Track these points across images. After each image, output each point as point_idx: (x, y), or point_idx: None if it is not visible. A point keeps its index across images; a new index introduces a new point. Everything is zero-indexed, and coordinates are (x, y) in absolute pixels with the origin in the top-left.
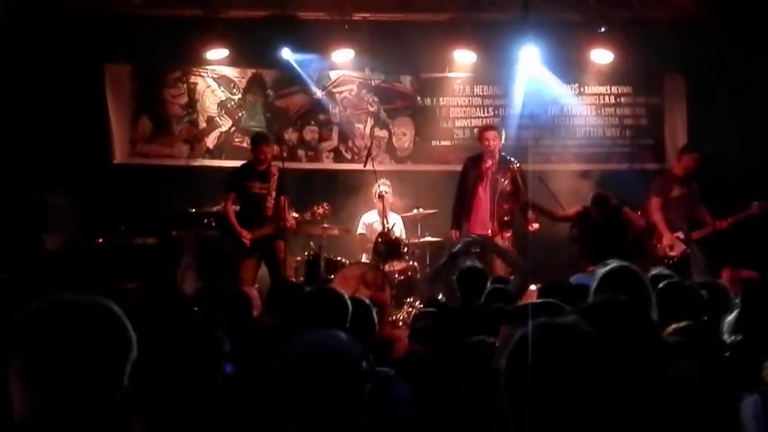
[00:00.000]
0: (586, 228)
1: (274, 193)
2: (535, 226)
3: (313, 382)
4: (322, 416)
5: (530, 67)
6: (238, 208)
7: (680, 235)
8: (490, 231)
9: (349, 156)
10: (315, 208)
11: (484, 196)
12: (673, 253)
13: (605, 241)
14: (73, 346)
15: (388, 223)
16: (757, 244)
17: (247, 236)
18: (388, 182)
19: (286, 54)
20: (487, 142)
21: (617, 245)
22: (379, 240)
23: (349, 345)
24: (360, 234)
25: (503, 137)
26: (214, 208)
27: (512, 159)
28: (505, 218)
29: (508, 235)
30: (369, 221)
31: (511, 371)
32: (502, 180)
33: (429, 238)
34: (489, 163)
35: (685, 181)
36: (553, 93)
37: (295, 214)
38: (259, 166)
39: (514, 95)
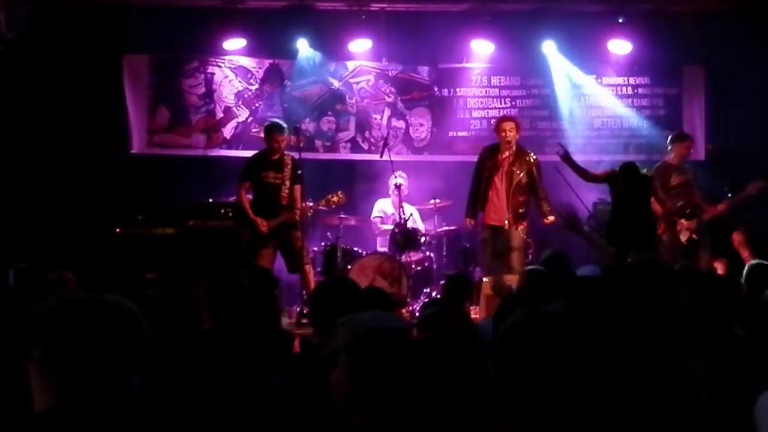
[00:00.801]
0: (611, 193)
1: (288, 183)
2: (551, 218)
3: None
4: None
5: (549, 57)
6: (251, 197)
7: (684, 222)
8: (506, 222)
9: (366, 146)
10: (329, 197)
11: (500, 187)
12: (682, 239)
13: (627, 214)
14: (91, 341)
15: (404, 213)
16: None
17: (263, 224)
18: (405, 174)
19: (304, 44)
20: (504, 133)
21: (638, 219)
22: (396, 230)
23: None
24: (375, 218)
25: (520, 128)
26: (231, 199)
27: (529, 150)
28: (521, 210)
29: (523, 227)
30: (384, 206)
31: (500, 360)
32: (518, 172)
33: (446, 228)
34: (506, 154)
35: (681, 169)
36: (571, 83)
37: (310, 203)
38: (273, 155)
39: (534, 86)
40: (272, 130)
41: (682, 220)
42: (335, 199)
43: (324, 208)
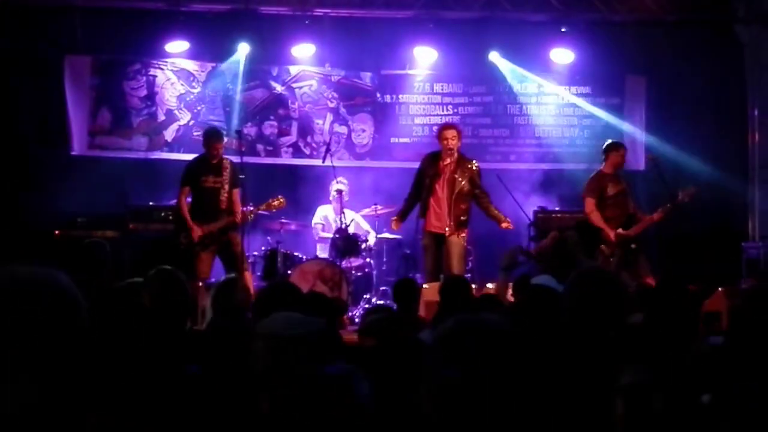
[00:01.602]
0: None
1: (227, 187)
2: (506, 224)
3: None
4: None
5: (493, 65)
6: (190, 201)
7: (621, 231)
8: (447, 229)
9: (307, 151)
10: (270, 201)
11: (441, 194)
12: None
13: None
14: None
15: (345, 219)
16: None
17: (197, 231)
18: (345, 179)
19: (246, 48)
20: (446, 141)
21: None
22: (337, 236)
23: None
24: (316, 224)
25: (462, 136)
26: (172, 202)
27: (470, 158)
28: (462, 217)
29: (464, 234)
30: (326, 213)
31: (434, 366)
32: (460, 179)
33: (387, 235)
34: (447, 161)
35: (616, 178)
36: (513, 91)
37: (251, 207)
38: (212, 160)
39: (477, 94)
40: (210, 136)
41: (620, 230)
42: (276, 203)
43: (265, 212)
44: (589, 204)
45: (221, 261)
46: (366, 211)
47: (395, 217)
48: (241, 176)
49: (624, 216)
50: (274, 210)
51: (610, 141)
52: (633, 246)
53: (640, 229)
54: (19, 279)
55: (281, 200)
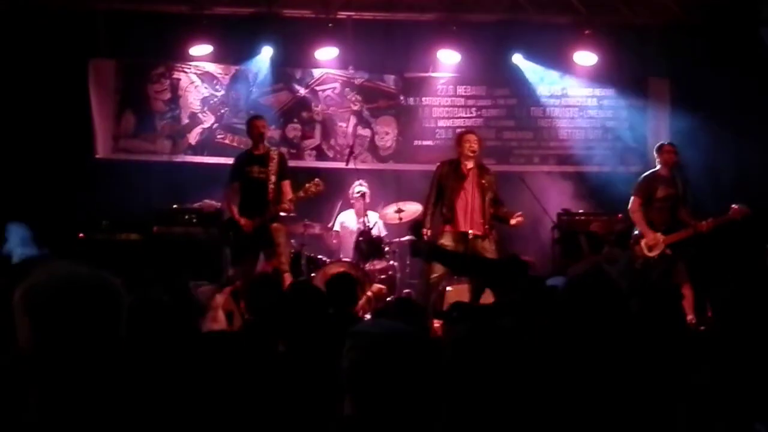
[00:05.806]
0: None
1: (273, 177)
2: (516, 218)
3: None
4: None
5: (515, 67)
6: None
7: (660, 236)
8: (481, 232)
9: (331, 154)
10: (307, 186)
11: (471, 198)
12: (651, 254)
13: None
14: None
15: (368, 221)
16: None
17: (247, 223)
18: (365, 182)
19: (270, 51)
20: (468, 144)
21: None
22: (361, 239)
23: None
24: (335, 231)
25: (483, 142)
26: (196, 205)
27: (486, 166)
28: (492, 221)
29: (494, 236)
30: (344, 219)
31: (450, 368)
32: (487, 184)
33: (410, 237)
34: (470, 165)
35: (671, 181)
36: (537, 94)
37: (289, 198)
38: (257, 149)
39: (500, 96)
40: (252, 118)
41: (659, 234)
42: (313, 187)
43: (302, 196)
44: (634, 203)
45: (263, 253)
46: (389, 213)
47: (425, 229)
48: (287, 166)
49: (670, 221)
50: (312, 194)
51: (660, 143)
52: (667, 252)
53: (678, 237)
54: (76, 279)
55: (318, 183)
